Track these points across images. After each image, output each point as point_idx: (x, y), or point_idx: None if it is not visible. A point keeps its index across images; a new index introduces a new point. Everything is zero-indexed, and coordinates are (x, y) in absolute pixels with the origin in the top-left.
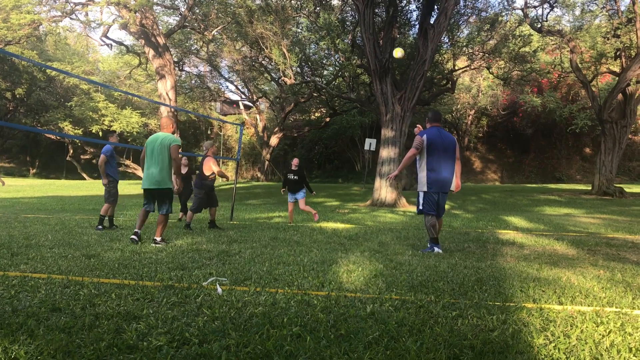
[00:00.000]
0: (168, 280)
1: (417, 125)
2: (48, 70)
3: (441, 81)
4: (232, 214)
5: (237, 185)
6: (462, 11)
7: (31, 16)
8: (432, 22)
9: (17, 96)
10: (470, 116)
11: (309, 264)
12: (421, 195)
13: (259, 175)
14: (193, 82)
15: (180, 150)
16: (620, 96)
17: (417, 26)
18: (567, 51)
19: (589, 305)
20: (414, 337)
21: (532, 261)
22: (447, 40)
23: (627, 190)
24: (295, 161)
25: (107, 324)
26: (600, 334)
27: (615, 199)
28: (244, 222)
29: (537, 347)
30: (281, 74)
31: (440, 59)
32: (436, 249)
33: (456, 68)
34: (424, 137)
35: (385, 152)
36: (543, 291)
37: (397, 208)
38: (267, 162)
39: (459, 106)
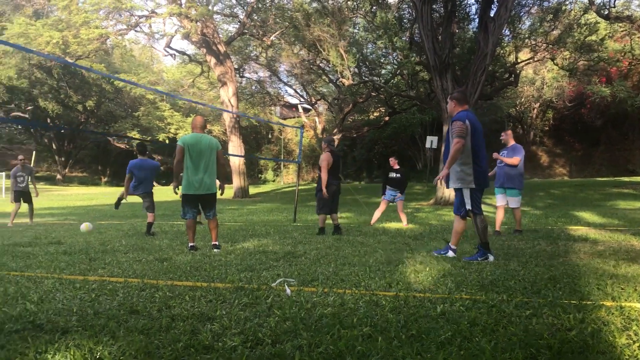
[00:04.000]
0: (238, 281)
1: (506, 131)
2: (116, 82)
3: (503, 75)
4: (295, 215)
5: (299, 188)
6: (523, 2)
7: (99, 30)
8: (492, 15)
9: (88, 108)
10: (535, 109)
11: (374, 264)
12: (467, 193)
13: None
14: (253, 87)
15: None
16: None
17: (476, 20)
18: (638, 37)
19: None
20: (488, 337)
21: (608, 257)
22: (508, 33)
23: None
24: (394, 160)
25: (182, 325)
26: None
27: None
28: (307, 224)
29: (620, 347)
30: (339, 75)
31: (501, 52)
32: (491, 257)
33: (519, 61)
34: (467, 122)
35: None
36: (622, 288)
37: None
38: None
39: (522, 100)
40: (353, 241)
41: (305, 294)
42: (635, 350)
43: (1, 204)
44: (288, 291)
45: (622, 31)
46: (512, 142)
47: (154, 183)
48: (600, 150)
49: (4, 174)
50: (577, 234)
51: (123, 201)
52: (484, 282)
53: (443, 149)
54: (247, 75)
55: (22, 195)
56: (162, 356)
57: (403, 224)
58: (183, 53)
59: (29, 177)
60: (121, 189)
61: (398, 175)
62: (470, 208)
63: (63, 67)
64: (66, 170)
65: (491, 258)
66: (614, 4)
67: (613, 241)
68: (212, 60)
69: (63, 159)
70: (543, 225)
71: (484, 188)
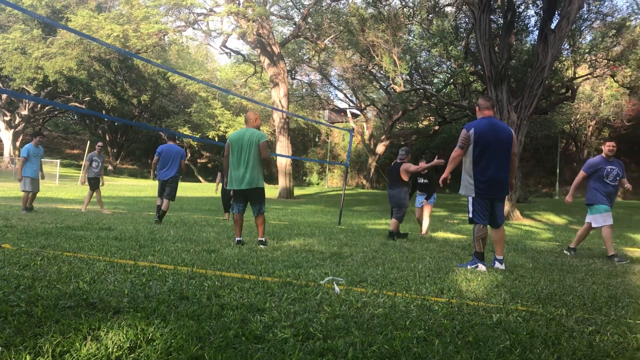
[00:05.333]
0: (286, 277)
1: (608, 143)
2: (170, 78)
3: (560, 89)
4: (340, 218)
5: (345, 192)
6: (586, 16)
7: (159, 26)
8: (552, 27)
9: (142, 102)
10: (591, 127)
11: (423, 270)
12: (470, 201)
13: (364, 182)
14: (304, 90)
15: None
16: None
17: (535, 32)
18: None
19: None
20: (550, 349)
21: None
22: (567, 47)
23: None
24: (422, 163)
25: (232, 314)
26: None
27: None
28: (352, 227)
29: None
30: (390, 82)
31: (559, 66)
32: (480, 266)
33: (577, 76)
34: (471, 131)
35: None
36: None
37: (510, 221)
38: (372, 170)
39: (578, 116)
40: (400, 247)
41: (354, 294)
42: None
43: (56, 190)
44: (337, 289)
45: None
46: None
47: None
48: None
49: (58, 161)
50: (635, 255)
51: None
52: (540, 295)
53: None
54: (298, 77)
55: (94, 181)
56: (213, 342)
57: (422, 230)
58: (238, 52)
59: (101, 164)
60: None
61: (425, 180)
62: (471, 216)
63: (121, 61)
64: (117, 161)
65: (482, 268)
66: None
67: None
68: (266, 61)
69: (115, 150)
70: (597, 244)
71: (490, 198)
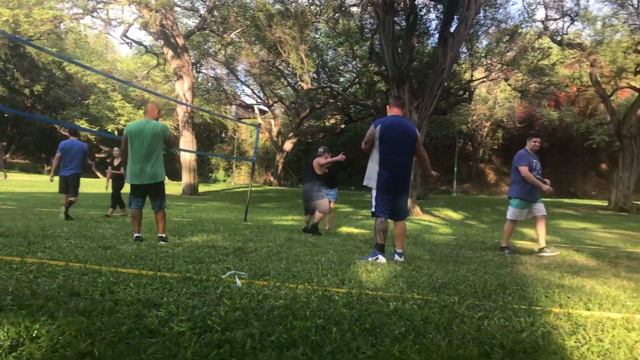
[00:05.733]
0: (186, 272)
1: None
2: (67, 68)
3: (458, 91)
4: (246, 215)
5: (251, 189)
6: (482, 22)
7: (53, 12)
8: (452, 30)
9: (36, 93)
10: (486, 128)
11: (326, 263)
12: (373, 195)
13: (271, 179)
14: (209, 84)
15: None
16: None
17: (435, 35)
18: (587, 65)
19: (617, 312)
20: (442, 333)
21: (553, 270)
22: (465, 51)
23: None
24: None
25: (127, 310)
26: (633, 340)
27: (633, 215)
28: (258, 223)
29: (570, 349)
30: (298, 79)
31: (458, 69)
32: (380, 258)
33: (474, 78)
34: (378, 127)
35: None
36: (568, 297)
37: (411, 216)
38: (280, 167)
39: (475, 117)
40: (305, 241)
41: (256, 287)
42: (584, 352)
43: None
44: (238, 283)
45: (572, 58)
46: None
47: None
48: (546, 172)
49: None
50: (523, 247)
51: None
52: (435, 285)
53: None
54: (203, 71)
55: None
56: (104, 338)
57: (327, 225)
58: (140, 43)
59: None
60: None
61: (330, 175)
62: (373, 210)
63: (11, 48)
64: (7, 155)
65: (382, 259)
66: (567, 31)
67: (556, 256)
68: (169, 53)
69: (5, 143)
70: (490, 238)
71: (391, 194)
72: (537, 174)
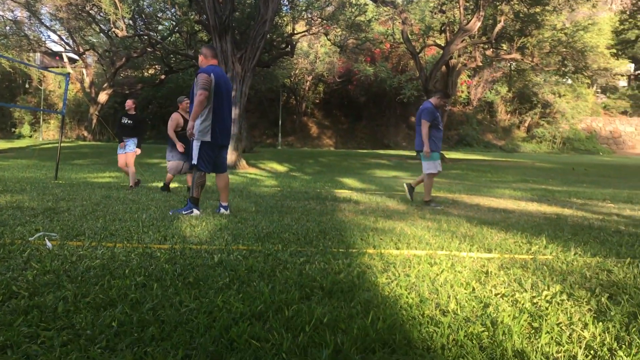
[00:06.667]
0: None
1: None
2: None
3: (281, 44)
4: (57, 173)
5: (62, 145)
6: None
7: None
8: None
9: None
10: (308, 82)
11: (148, 220)
12: (197, 146)
13: (85, 134)
14: (7, 28)
15: None
16: (443, 68)
17: None
18: (399, 23)
19: (422, 250)
20: (265, 280)
21: (368, 215)
22: (287, 3)
23: (446, 156)
24: (131, 102)
25: None
26: (435, 273)
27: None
28: (71, 182)
29: (381, 285)
30: (111, 25)
31: (280, 21)
32: (195, 211)
33: (295, 32)
34: (212, 75)
35: None
36: (381, 239)
37: (237, 170)
38: (94, 121)
39: (297, 71)
40: (124, 199)
41: (69, 248)
42: (394, 287)
43: None
44: (49, 245)
45: (386, 15)
46: None
47: None
48: (362, 125)
49: None
50: (342, 196)
51: None
52: (260, 235)
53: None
54: (0, 12)
55: None
56: None
57: (130, 183)
58: None
59: None
60: None
61: (130, 121)
62: (195, 163)
63: None
64: None
65: (196, 212)
66: None
67: (372, 202)
68: None
69: None
70: (312, 188)
71: (220, 145)
72: (441, 124)
